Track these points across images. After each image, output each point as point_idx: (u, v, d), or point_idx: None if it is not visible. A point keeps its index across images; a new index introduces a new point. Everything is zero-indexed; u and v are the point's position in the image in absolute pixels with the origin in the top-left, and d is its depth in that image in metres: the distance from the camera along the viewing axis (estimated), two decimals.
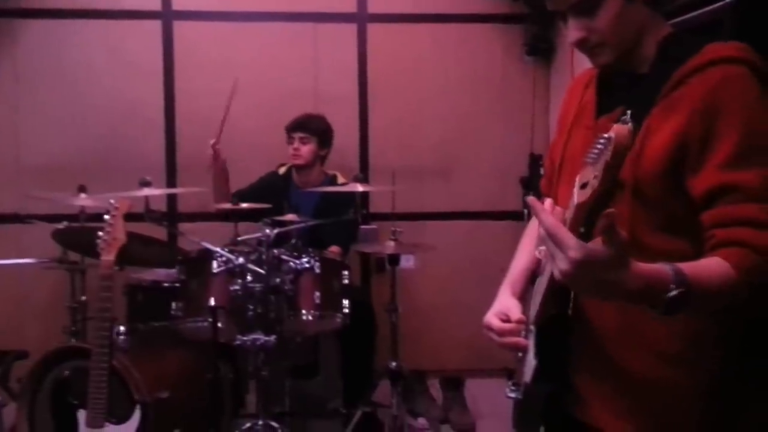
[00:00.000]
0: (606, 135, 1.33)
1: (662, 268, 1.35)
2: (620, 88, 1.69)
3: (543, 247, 1.38)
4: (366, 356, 4.41)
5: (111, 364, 3.04)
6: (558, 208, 1.54)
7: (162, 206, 4.90)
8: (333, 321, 3.70)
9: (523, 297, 1.87)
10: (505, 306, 1.82)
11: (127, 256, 3.24)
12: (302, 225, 3.88)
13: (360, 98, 5.22)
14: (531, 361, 1.73)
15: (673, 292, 1.33)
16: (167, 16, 5.07)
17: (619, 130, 1.32)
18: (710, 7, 2.13)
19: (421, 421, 4.47)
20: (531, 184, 5.13)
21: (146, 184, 3.46)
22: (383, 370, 3.99)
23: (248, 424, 3.48)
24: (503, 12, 5.18)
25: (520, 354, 1.81)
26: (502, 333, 1.76)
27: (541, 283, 1.64)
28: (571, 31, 1.64)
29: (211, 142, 4.33)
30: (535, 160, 5.17)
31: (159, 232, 4.14)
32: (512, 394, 1.82)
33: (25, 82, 5.01)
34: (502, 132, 5.29)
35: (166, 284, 3.80)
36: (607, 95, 1.73)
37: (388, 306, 3.91)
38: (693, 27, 2.19)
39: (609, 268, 1.28)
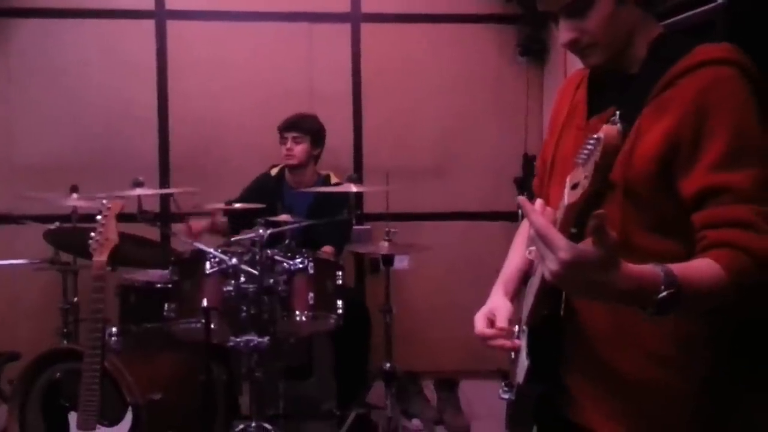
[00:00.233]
0: (595, 136, 1.33)
1: (653, 269, 1.35)
2: (611, 88, 1.69)
3: (533, 248, 1.38)
4: (360, 357, 4.40)
5: (103, 366, 3.03)
6: (549, 209, 1.54)
7: (155, 206, 4.89)
8: (327, 322, 3.69)
9: (516, 297, 1.87)
10: (494, 306, 1.82)
11: (119, 257, 3.23)
12: (296, 225, 3.87)
13: (354, 98, 5.22)
14: (523, 362, 1.73)
15: (664, 293, 1.33)
16: (161, 16, 5.06)
17: (608, 130, 1.32)
18: (702, 8, 2.13)
19: (416, 423, 4.46)
20: (525, 184, 5.13)
21: (139, 184, 3.45)
22: (377, 371, 3.99)
23: (242, 426, 3.46)
24: (497, 12, 5.18)
25: (513, 355, 1.81)
26: (483, 338, 1.77)
27: (533, 284, 1.64)
28: (563, 32, 1.63)
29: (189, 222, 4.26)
30: (528, 161, 5.17)
31: (152, 233, 4.13)
32: (505, 395, 1.82)
33: (18, 81, 5.00)
34: (495, 132, 5.29)
35: (158, 285, 3.78)
36: (599, 96, 1.73)
37: (382, 307, 3.92)
38: (685, 28, 2.19)
39: (599, 269, 1.29)
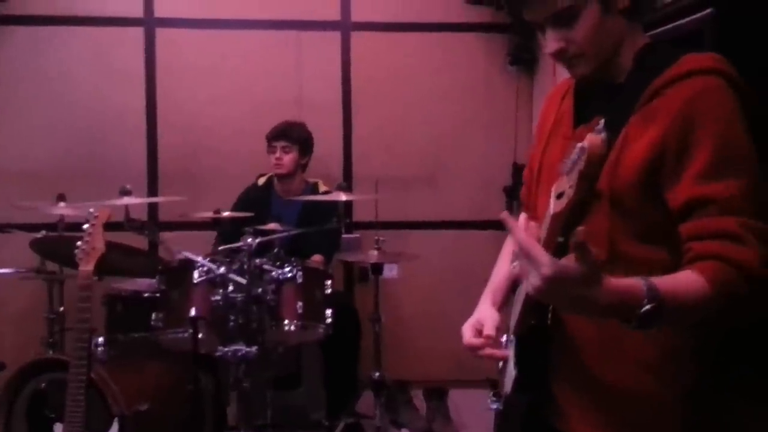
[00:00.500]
0: (580, 145, 1.34)
1: (635, 283, 1.36)
2: (598, 98, 1.69)
3: (517, 263, 1.40)
4: (349, 366, 4.39)
5: (89, 377, 3.00)
6: (533, 224, 1.56)
7: (143, 214, 4.87)
8: (316, 331, 3.68)
9: (504, 306, 1.87)
10: (482, 316, 1.82)
11: (106, 266, 3.20)
12: (284, 234, 3.86)
13: (344, 106, 5.22)
14: (511, 372, 1.73)
15: (646, 307, 1.34)
16: (150, 24, 5.05)
17: (592, 140, 1.34)
18: (690, 18, 2.13)
19: None
20: (514, 193, 5.13)
21: (126, 192, 3.44)
22: (366, 380, 3.97)
23: None
24: (486, 21, 5.18)
25: (501, 364, 1.82)
26: (471, 348, 1.77)
27: (521, 293, 1.65)
28: (549, 42, 1.63)
29: None
30: (518, 170, 5.17)
31: (140, 241, 4.11)
32: (493, 405, 1.82)
33: (5, 88, 4.98)
34: (485, 141, 5.29)
35: (146, 294, 3.76)
36: (585, 105, 1.73)
37: (371, 316, 3.91)
38: (673, 37, 2.20)
39: (581, 285, 1.30)
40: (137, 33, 5.05)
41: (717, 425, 1.60)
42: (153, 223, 4.92)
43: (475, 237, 5.23)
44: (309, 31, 5.16)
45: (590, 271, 1.29)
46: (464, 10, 5.11)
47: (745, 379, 1.71)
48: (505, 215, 1.40)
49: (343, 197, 3.80)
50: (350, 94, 5.22)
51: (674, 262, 1.50)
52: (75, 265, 3.08)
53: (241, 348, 3.34)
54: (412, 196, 5.23)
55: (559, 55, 1.64)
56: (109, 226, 3.15)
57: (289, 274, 3.60)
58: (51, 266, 4.06)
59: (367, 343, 4.25)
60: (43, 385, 3.29)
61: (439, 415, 4.53)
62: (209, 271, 3.47)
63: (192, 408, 3.40)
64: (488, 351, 1.75)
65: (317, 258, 4.27)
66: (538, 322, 1.64)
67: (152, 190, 5.05)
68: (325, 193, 4.46)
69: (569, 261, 1.29)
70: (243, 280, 3.43)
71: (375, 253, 3.84)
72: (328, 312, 3.67)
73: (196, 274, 3.49)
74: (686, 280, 1.42)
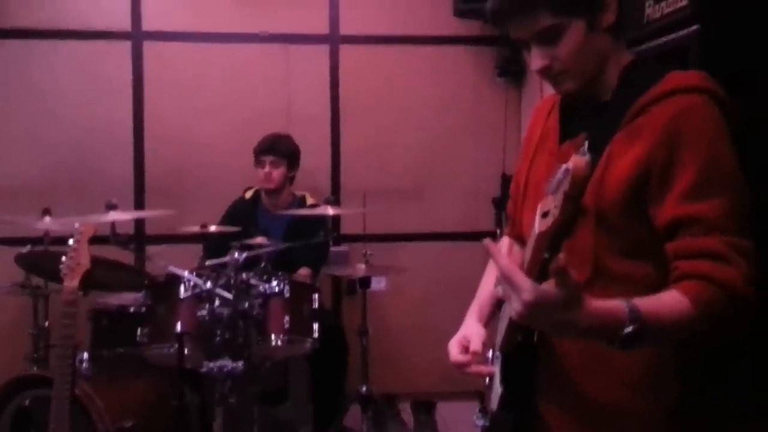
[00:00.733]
0: (564, 166, 1.36)
1: (617, 305, 1.38)
2: (583, 114, 1.70)
3: (501, 287, 1.42)
4: (337, 380, 4.37)
5: (73, 393, 2.98)
6: (516, 248, 1.60)
7: (129, 228, 4.85)
8: (303, 346, 3.66)
9: (490, 321, 1.87)
10: (468, 332, 1.83)
11: (92, 281, 3.20)
12: (271, 249, 3.84)
13: (332, 119, 5.21)
14: (497, 388, 1.73)
15: (628, 329, 1.36)
16: (137, 37, 5.03)
17: (576, 162, 1.35)
18: (677, 34, 2.14)
19: None
20: (503, 204, 5.12)
21: (112, 207, 3.42)
22: (354, 394, 3.96)
23: None
24: (475, 34, 5.18)
25: (487, 380, 1.82)
26: (457, 365, 1.77)
27: (508, 308, 1.63)
28: (535, 59, 1.64)
29: None
30: (507, 181, 5.17)
31: (126, 256, 4.09)
32: (479, 422, 1.82)
33: None
34: (474, 153, 5.29)
35: (132, 309, 3.75)
36: (570, 121, 1.73)
37: (358, 329, 3.89)
38: (660, 53, 2.21)
39: (562, 309, 1.33)
40: (125, 46, 5.02)
41: None
42: (140, 237, 4.90)
43: (464, 248, 5.22)
44: (297, 45, 5.15)
45: (570, 295, 1.31)
46: (453, 22, 5.10)
47: (730, 396, 1.70)
48: (487, 242, 1.41)
49: (330, 211, 3.78)
50: (339, 106, 5.21)
51: (660, 278, 1.51)
52: (60, 280, 3.07)
53: (227, 363, 3.32)
54: (401, 208, 5.22)
55: (544, 73, 1.64)
56: (95, 240, 3.13)
57: (276, 289, 3.60)
58: (36, 281, 4.03)
59: (354, 356, 4.23)
60: (27, 402, 3.27)
61: (427, 429, 4.52)
62: (195, 286, 3.45)
63: (177, 424, 3.38)
64: (475, 368, 1.76)
65: (304, 272, 4.25)
66: (524, 340, 1.64)
67: (139, 204, 5.02)
68: (313, 206, 4.45)
69: (550, 286, 1.31)
70: (229, 295, 3.41)
71: (363, 266, 3.83)
72: (315, 326, 3.66)
73: (182, 289, 3.48)
74: (670, 300, 1.43)
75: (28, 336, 4.01)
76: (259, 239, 3.94)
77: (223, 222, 4.41)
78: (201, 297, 3.44)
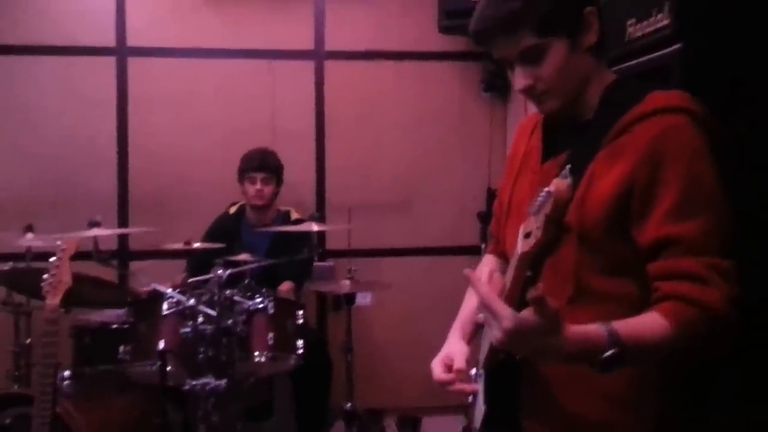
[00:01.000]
0: (546, 189, 1.39)
1: (597, 330, 1.39)
2: (565, 133, 1.71)
3: (482, 314, 1.44)
4: (321, 396, 4.36)
5: (54, 411, 2.95)
6: (497, 275, 1.61)
7: (113, 244, 4.82)
8: (286, 362, 3.66)
9: (473, 339, 1.88)
10: (451, 351, 1.83)
11: (74, 298, 3.17)
12: (255, 265, 3.83)
13: (317, 134, 5.21)
14: (480, 406, 1.74)
15: (608, 353, 1.38)
16: (122, 53, 5.01)
17: (558, 185, 1.39)
18: (658, 53, 2.15)
19: None
20: (488, 218, 5.12)
21: (95, 224, 3.41)
22: (338, 410, 3.94)
23: None
24: (460, 50, 5.19)
25: (470, 398, 1.82)
26: (441, 384, 1.77)
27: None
28: (518, 78, 1.64)
29: None
30: (492, 196, 5.16)
31: (109, 272, 4.07)
32: None
33: None
34: (459, 167, 5.30)
35: (114, 326, 3.72)
36: (553, 140, 1.74)
37: (343, 346, 3.88)
38: (642, 71, 2.21)
39: (541, 336, 1.35)
40: (109, 62, 5.01)
41: None
42: (123, 254, 4.88)
43: (449, 263, 5.22)
44: (282, 60, 5.15)
45: (549, 323, 1.34)
46: (438, 38, 5.11)
47: (713, 412, 1.71)
48: (467, 272, 1.45)
49: (315, 228, 3.78)
50: (324, 122, 5.21)
51: (642, 297, 1.52)
52: (43, 297, 3.04)
53: (210, 381, 3.31)
54: (386, 223, 5.22)
55: (527, 92, 1.65)
56: (79, 256, 3.11)
57: (260, 305, 3.59)
58: (18, 298, 4.00)
59: (339, 372, 4.22)
60: (8, 420, 3.23)
61: None
62: (178, 302, 3.44)
63: None
64: (458, 386, 1.76)
65: (286, 286, 4.24)
66: (507, 357, 1.64)
67: (123, 220, 5.00)
68: (297, 220, 4.45)
69: (529, 313, 1.33)
70: (213, 312, 3.40)
71: (347, 282, 3.82)
72: (300, 343, 3.65)
73: (165, 306, 3.46)
74: (650, 322, 1.44)
75: (10, 354, 3.98)
76: (243, 255, 3.93)
77: (207, 238, 4.39)
78: (184, 314, 3.44)
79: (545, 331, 1.34)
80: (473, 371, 1.81)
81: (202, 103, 5.07)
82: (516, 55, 1.61)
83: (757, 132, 1.92)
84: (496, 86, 5.19)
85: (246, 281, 3.71)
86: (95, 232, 3.38)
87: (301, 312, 3.73)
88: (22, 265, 3.90)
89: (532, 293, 1.30)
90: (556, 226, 1.41)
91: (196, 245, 3.86)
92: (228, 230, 4.47)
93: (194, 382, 3.32)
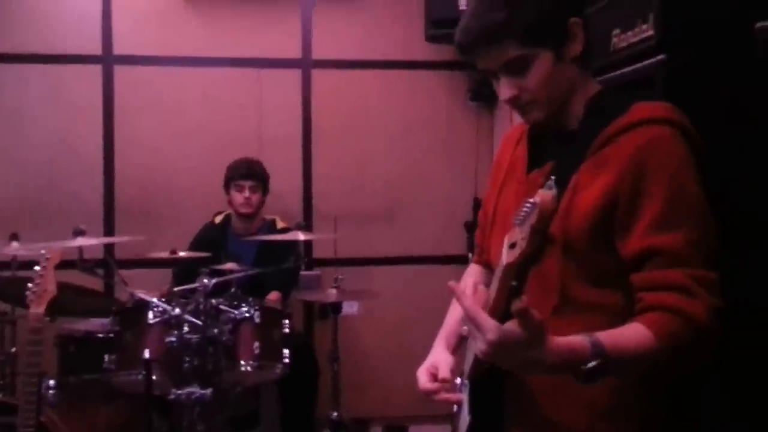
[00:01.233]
0: (531, 200, 1.38)
1: (580, 341, 1.40)
2: (551, 143, 1.71)
3: (466, 327, 1.45)
4: (307, 406, 4.36)
5: (38, 421, 2.93)
6: (481, 287, 1.59)
7: (99, 253, 4.80)
8: (273, 371, 3.66)
9: (458, 349, 1.88)
10: (436, 360, 1.83)
11: (59, 307, 3.16)
12: (242, 274, 3.83)
13: (304, 143, 5.21)
14: (465, 417, 1.73)
15: (591, 364, 1.38)
16: (108, 61, 5.01)
17: (543, 196, 1.39)
18: (642, 64, 2.16)
19: None
20: (475, 228, 5.13)
21: (80, 233, 3.39)
22: (325, 419, 3.94)
23: None
24: (447, 59, 5.20)
25: (455, 408, 1.82)
26: (427, 393, 1.77)
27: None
28: (503, 89, 1.65)
29: None
30: (479, 205, 5.17)
31: (95, 281, 4.05)
32: None
33: None
34: (446, 177, 5.31)
35: (99, 335, 3.71)
36: (538, 150, 1.74)
37: (329, 355, 3.88)
38: (627, 81, 2.22)
39: (525, 348, 1.35)
40: (95, 70, 5.00)
41: None
42: (108, 263, 4.86)
43: (436, 272, 5.21)
44: (269, 69, 5.15)
45: (533, 334, 1.33)
46: (425, 48, 5.12)
47: (697, 420, 1.71)
48: (451, 284, 1.46)
49: (301, 237, 3.78)
50: (311, 131, 5.21)
51: (627, 307, 1.52)
52: (27, 306, 3.03)
53: (195, 391, 3.30)
54: (373, 231, 5.22)
55: (513, 102, 1.66)
56: (64, 265, 3.10)
57: (247, 314, 3.60)
58: (3, 306, 3.99)
59: (325, 381, 4.21)
60: None
61: None
62: (164, 311, 3.43)
63: None
64: (443, 396, 1.76)
65: (273, 296, 4.24)
66: (491, 367, 1.64)
67: (109, 228, 4.98)
68: (283, 229, 4.46)
69: (513, 326, 1.33)
70: (198, 321, 3.39)
71: (334, 291, 3.82)
72: (286, 352, 3.65)
73: (150, 315, 3.46)
74: (633, 333, 1.44)
75: None
76: (229, 265, 3.92)
77: (192, 248, 4.39)
78: (169, 323, 3.43)
79: (529, 343, 1.34)
80: (458, 381, 1.80)
81: (188, 111, 5.06)
82: (501, 65, 1.61)
83: (739, 143, 1.93)
84: (483, 95, 5.20)
85: (232, 290, 3.71)
86: (80, 241, 3.37)
87: (287, 321, 3.73)
88: (7, 273, 3.90)
89: (516, 305, 1.30)
90: (541, 236, 1.41)
91: (181, 254, 3.85)
92: (213, 240, 4.46)
93: (179, 392, 3.31)
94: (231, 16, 5.10)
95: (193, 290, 3.51)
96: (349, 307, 4.33)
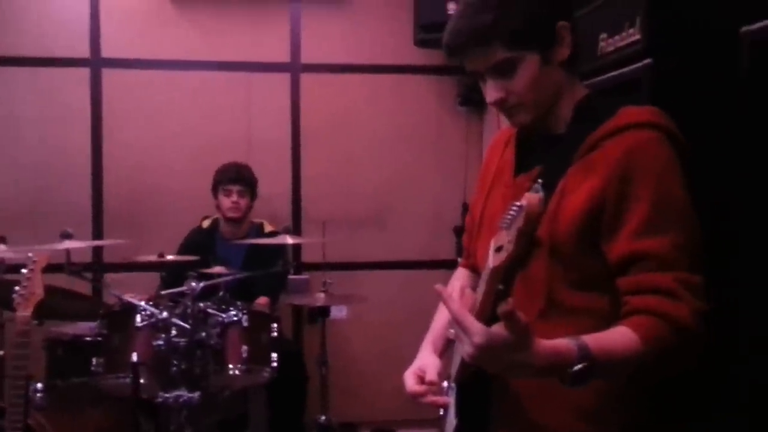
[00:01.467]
0: (518, 203, 1.38)
1: (567, 345, 1.39)
2: (538, 147, 1.72)
3: (452, 330, 1.45)
4: (296, 410, 4.35)
5: (26, 424, 2.93)
6: (468, 291, 1.58)
7: (87, 256, 4.79)
8: (260, 375, 3.66)
9: (445, 353, 1.88)
10: (423, 364, 1.83)
11: (47, 310, 3.16)
12: (230, 278, 3.83)
13: (293, 147, 5.21)
14: (452, 420, 1.73)
15: (577, 367, 1.38)
16: (96, 64, 5.00)
17: (530, 199, 1.38)
18: (629, 68, 2.17)
19: None
20: (464, 232, 5.13)
21: (68, 236, 3.39)
22: (313, 423, 3.93)
23: None
24: (436, 64, 5.21)
25: (441, 411, 1.81)
26: (414, 395, 1.77)
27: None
28: (489, 91, 1.65)
29: None
30: (468, 209, 5.18)
31: (83, 284, 4.04)
32: None
33: None
34: (435, 181, 5.32)
35: (87, 338, 3.70)
36: (526, 154, 1.75)
37: (317, 359, 3.88)
38: (614, 85, 2.23)
39: (512, 351, 1.35)
40: (83, 73, 4.99)
41: None
42: (97, 266, 4.85)
43: (425, 277, 5.21)
44: (258, 73, 5.15)
45: (519, 337, 1.33)
46: (414, 52, 5.13)
47: (683, 423, 1.72)
48: (439, 288, 1.46)
49: (289, 240, 3.78)
50: (299, 135, 5.21)
51: (614, 311, 1.52)
52: (14, 309, 3.02)
53: (183, 394, 3.30)
54: (362, 236, 5.22)
55: (499, 105, 1.66)
56: (53, 269, 3.10)
57: (235, 318, 3.60)
58: None
59: (314, 385, 4.20)
60: None
61: None
62: (152, 315, 3.43)
63: None
64: (430, 398, 1.76)
65: (262, 300, 4.24)
66: (478, 370, 1.64)
67: (97, 231, 4.97)
68: (271, 233, 4.47)
69: (500, 329, 1.34)
70: (186, 325, 3.39)
71: (322, 295, 3.82)
72: (274, 356, 3.65)
73: (138, 319, 3.46)
74: (619, 336, 1.45)
75: None
76: (218, 268, 3.92)
77: (180, 252, 4.39)
78: (157, 326, 3.43)
79: (515, 346, 1.34)
80: (445, 384, 1.81)
81: (177, 114, 5.06)
82: (488, 68, 1.62)
83: (725, 147, 1.94)
84: (472, 100, 5.21)
85: (220, 294, 3.71)
86: (67, 244, 3.36)
87: (275, 325, 3.73)
88: None
89: (502, 307, 1.31)
90: (527, 240, 1.41)
91: (169, 257, 3.85)
92: (201, 244, 4.46)
93: (167, 395, 3.31)
94: (220, 19, 5.10)
95: (181, 294, 3.51)
96: (338, 312, 4.33)
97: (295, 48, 5.20)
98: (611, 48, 2.30)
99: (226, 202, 4.49)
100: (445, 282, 1.64)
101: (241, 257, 4.38)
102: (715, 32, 2.03)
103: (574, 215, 1.54)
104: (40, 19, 4.95)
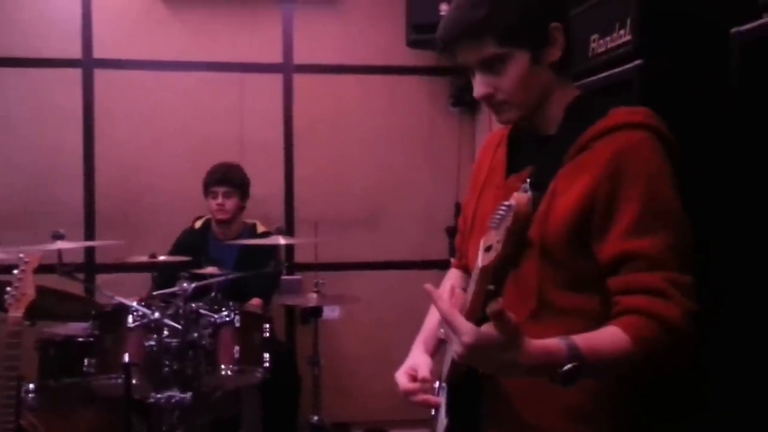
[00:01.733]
0: (507, 203, 1.37)
1: (557, 344, 1.40)
2: (529, 148, 1.72)
3: (443, 330, 1.45)
4: (288, 410, 4.34)
5: (18, 424, 2.92)
6: (458, 291, 1.60)
7: (79, 257, 4.78)
8: (253, 375, 3.66)
9: (436, 352, 1.88)
10: (415, 363, 1.83)
11: (38, 311, 3.15)
12: (222, 278, 3.83)
13: (285, 147, 5.21)
14: (442, 420, 1.73)
15: (567, 367, 1.38)
16: (88, 65, 4.99)
17: (519, 198, 1.37)
18: (620, 69, 2.18)
19: None
20: (456, 233, 5.14)
21: (59, 237, 3.39)
22: (305, 424, 3.93)
23: None
24: (428, 64, 5.22)
25: (433, 411, 1.81)
26: (407, 393, 1.77)
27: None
28: (478, 86, 1.66)
29: None
30: (460, 210, 5.19)
31: (75, 285, 4.04)
32: None
33: None
34: (427, 181, 5.32)
35: (79, 339, 3.69)
36: (517, 155, 1.75)
37: (310, 359, 3.88)
38: (605, 86, 2.24)
39: (501, 350, 1.35)
40: (75, 74, 4.98)
41: None
42: (89, 267, 4.84)
43: (418, 277, 5.21)
44: (251, 73, 5.15)
45: (509, 337, 1.34)
46: (406, 53, 5.13)
47: (672, 423, 1.73)
48: (428, 288, 1.46)
49: (282, 241, 3.78)
50: (292, 135, 5.21)
51: (605, 311, 1.52)
52: (6, 310, 3.02)
53: (175, 394, 3.31)
54: (354, 236, 5.22)
55: (486, 100, 1.66)
56: (44, 269, 3.09)
57: (227, 318, 3.60)
58: None
59: (306, 386, 4.20)
60: None
61: None
62: (144, 316, 3.43)
63: None
64: (422, 397, 1.76)
65: (255, 302, 4.23)
66: (469, 370, 1.65)
67: (89, 232, 4.96)
68: (264, 233, 4.45)
69: (489, 328, 1.34)
70: (178, 325, 3.39)
71: (314, 296, 3.82)
72: (266, 356, 3.65)
73: (130, 319, 3.46)
74: (609, 336, 1.45)
75: None
76: (210, 269, 3.92)
77: (172, 253, 4.38)
78: (149, 327, 3.43)
79: (505, 346, 1.34)
80: (436, 384, 1.81)
81: (169, 115, 5.06)
82: (478, 62, 1.62)
83: (716, 147, 1.95)
84: (465, 101, 5.22)
85: (213, 294, 3.71)
86: (59, 244, 3.36)
87: (267, 325, 3.73)
88: None
89: (491, 307, 1.31)
90: (517, 239, 1.39)
91: (161, 258, 3.85)
92: (194, 245, 4.45)
93: (159, 395, 3.31)
94: (212, 20, 5.10)
95: (173, 294, 3.51)
96: (330, 312, 4.33)
97: (288, 49, 5.20)
98: (602, 49, 2.30)
99: (212, 204, 4.48)
100: (438, 282, 1.64)
101: (234, 258, 4.37)
102: (706, 33, 2.04)
103: (564, 216, 1.54)
104: (32, 19, 4.93)
